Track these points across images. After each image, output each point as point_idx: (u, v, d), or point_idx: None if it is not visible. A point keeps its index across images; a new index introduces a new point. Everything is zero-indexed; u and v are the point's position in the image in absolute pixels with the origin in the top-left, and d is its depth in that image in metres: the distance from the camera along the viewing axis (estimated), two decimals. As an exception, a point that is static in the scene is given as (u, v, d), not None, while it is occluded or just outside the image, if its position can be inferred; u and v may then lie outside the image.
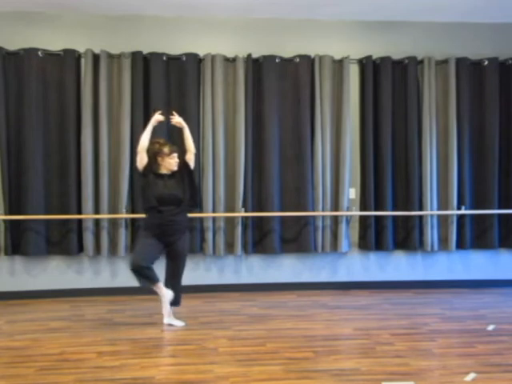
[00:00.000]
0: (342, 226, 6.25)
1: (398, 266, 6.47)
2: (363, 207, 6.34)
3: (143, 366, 3.81)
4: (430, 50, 6.41)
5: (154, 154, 4.67)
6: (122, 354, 4.11)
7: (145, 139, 4.67)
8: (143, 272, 4.59)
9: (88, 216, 5.92)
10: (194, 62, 6.10)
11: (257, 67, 6.19)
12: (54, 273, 6.08)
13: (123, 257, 6.09)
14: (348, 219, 6.30)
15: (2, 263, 6.02)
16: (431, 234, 6.31)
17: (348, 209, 6.27)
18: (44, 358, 4.00)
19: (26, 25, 6.03)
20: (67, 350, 4.15)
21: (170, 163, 4.68)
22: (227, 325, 4.88)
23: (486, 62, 6.36)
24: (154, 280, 4.67)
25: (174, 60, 6.09)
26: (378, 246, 6.34)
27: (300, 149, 6.20)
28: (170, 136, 5.67)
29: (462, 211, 6.29)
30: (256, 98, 6.18)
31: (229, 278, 6.29)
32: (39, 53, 5.89)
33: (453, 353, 4.09)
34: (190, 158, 4.79)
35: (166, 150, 4.65)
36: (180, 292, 4.88)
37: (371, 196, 6.26)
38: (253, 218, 6.16)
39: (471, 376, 3.58)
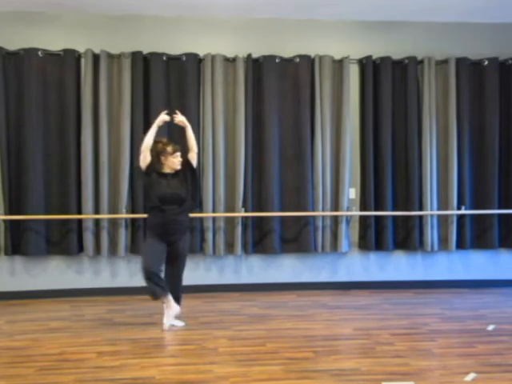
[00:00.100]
0: (342, 226, 6.25)
1: (398, 265, 6.47)
2: (363, 207, 6.34)
3: (143, 366, 3.81)
4: (429, 50, 6.42)
5: (157, 154, 4.67)
6: (122, 353, 4.11)
7: (149, 138, 4.67)
8: (156, 279, 4.60)
9: (88, 216, 5.92)
10: (194, 62, 6.10)
11: (257, 67, 6.19)
12: (54, 273, 6.08)
13: (123, 257, 6.09)
14: (348, 219, 6.30)
15: (2, 263, 6.02)
16: (431, 234, 6.31)
17: (348, 209, 6.27)
18: (44, 357, 4.00)
19: (26, 25, 6.03)
20: (67, 350, 4.15)
21: (174, 162, 4.68)
22: (227, 325, 4.88)
23: (486, 62, 6.36)
24: (165, 290, 4.68)
25: (173, 60, 6.10)
26: (378, 246, 6.34)
27: (300, 149, 6.20)
28: (171, 135, 5.66)
29: (462, 211, 6.29)
30: (256, 98, 6.18)
31: (229, 278, 6.29)
32: (39, 53, 5.89)
33: (453, 353, 4.09)
34: (193, 157, 4.79)
35: (169, 149, 4.65)
36: (180, 292, 4.88)
37: (371, 196, 6.26)
38: (253, 218, 6.16)
39: (471, 376, 3.58)
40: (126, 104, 5.97)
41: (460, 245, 6.37)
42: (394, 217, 6.35)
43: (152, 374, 3.66)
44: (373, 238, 6.29)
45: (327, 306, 5.63)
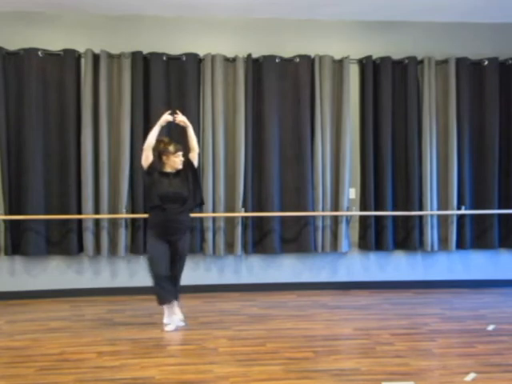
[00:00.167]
0: (342, 226, 6.25)
1: (398, 265, 6.47)
2: (363, 207, 6.34)
3: (143, 366, 3.81)
4: (430, 49, 6.41)
5: (159, 153, 4.68)
6: (122, 353, 4.11)
7: (152, 138, 4.68)
8: (165, 285, 4.62)
9: (88, 216, 5.92)
10: (194, 62, 6.10)
11: (257, 67, 6.19)
12: (54, 273, 6.08)
13: (123, 257, 6.09)
14: (348, 219, 6.30)
15: (2, 263, 6.02)
16: (431, 234, 6.31)
17: (348, 209, 6.27)
18: (44, 358, 4.00)
19: (26, 25, 6.03)
20: (67, 350, 4.15)
21: (175, 162, 4.69)
22: (227, 325, 4.88)
23: (486, 62, 6.36)
24: (174, 295, 4.70)
25: (174, 60, 6.09)
26: (378, 246, 6.34)
27: (300, 149, 6.20)
28: (171, 135, 5.66)
29: (462, 211, 6.29)
30: (256, 98, 6.18)
31: (229, 278, 6.29)
32: (39, 53, 5.89)
33: (453, 353, 4.09)
34: (194, 157, 4.80)
35: (171, 148, 4.66)
36: (178, 292, 4.87)
37: (371, 196, 6.26)
38: (253, 217, 6.16)
39: (471, 376, 3.58)
40: (125, 104, 5.97)
41: (460, 245, 6.37)
42: (394, 217, 6.35)
43: (152, 374, 3.66)
44: (373, 238, 6.29)
45: (327, 306, 5.63)
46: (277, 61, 6.18)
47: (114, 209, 6.02)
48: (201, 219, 6.10)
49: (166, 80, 6.09)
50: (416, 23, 6.44)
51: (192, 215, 4.97)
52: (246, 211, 6.10)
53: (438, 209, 6.34)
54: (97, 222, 6.02)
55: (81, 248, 6.02)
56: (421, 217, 6.34)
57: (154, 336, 4.53)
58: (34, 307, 5.65)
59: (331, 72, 6.28)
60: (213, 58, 6.12)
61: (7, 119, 5.89)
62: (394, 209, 6.33)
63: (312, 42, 6.33)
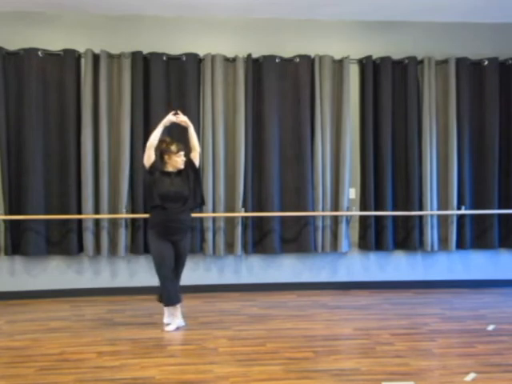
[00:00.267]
0: (342, 226, 6.25)
1: (398, 265, 6.47)
2: (363, 207, 6.34)
3: (143, 366, 3.81)
4: (430, 49, 6.41)
5: (161, 152, 4.69)
6: (122, 353, 4.11)
7: (155, 137, 4.68)
8: (171, 286, 4.62)
9: (88, 216, 5.92)
10: (194, 62, 6.10)
11: (257, 67, 6.19)
12: (54, 273, 6.08)
13: (123, 257, 6.09)
14: (348, 219, 6.30)
15: (2, 263, 6.02)
16: (431, 234, 6.31)
17: (348, 209, 6.27)
18: (44, 357, 4.00)
19: (26, 25, 6.03)
20: (67, 350, 4.15)
21: (177, 161, 4.70)
22: (227, 325, 4.88)
23: (486, 62, 6.36)
24: (178, 297, 4.70)
25: (174, 60, 6.09)
26: (378, 246, 6.34)
27: (300, 149, 6.20)
28: (172, 135, 5.65)
29: (462, 211, 6.29)
30: (256, 98, 6.18)
31: (229, 278, 6.29)
32: (39, 53, 5.89)
33: (453, 353, 4.09)
34: (195, 157, 4.81)
35: (173, 148, 4.66)
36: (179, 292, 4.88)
37: (371, 196, 6.26)
38: (253, 217, 6.16)
39: (471, 376, 3.58)
40: (126, 104, 5.97)
41: (460, 245, 6.37)
42: (394, 217, 6.35)
43: (152, 374, 3.66)
44: (373, 238, 6.29)
45: (327, 306, 5.63)
46: (277, 61, 6.18)
47: (114, 209, 6.02)
48: (201, 219, 6.10)
49: (166, 80, 6.09)
50: (416, 23, 6.44)
51: (192, 215, 4.96)
52: (246, 211, 6.10)
53: (438, 209, 6.35)
54: (97, 222, 6.02)
55: (81, 248, 6.02)
56: (421, 217, 6.34)
57: (154, 336, 4.53)
58: (33, 307, 5.65)
59: (331, 72, 6.28)
60: (213, 58, 6.12)
61: (7, 119, 5.89)
62: (394, 209, 6.33)
63: (312, 42, 6.33)
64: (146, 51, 6.06)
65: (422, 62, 6.36)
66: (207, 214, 6.04)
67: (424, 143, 6.29)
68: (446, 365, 3.82)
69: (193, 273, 6.08)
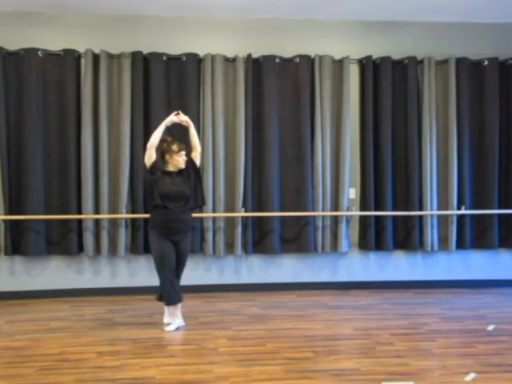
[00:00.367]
0: (342, 226, 6.25)
1: (398, 265, 6.47)
2: (363, 207, 6.34)
3: (143, 366, 3.81)
4: (430, 49, 6.41)
5: (162, 152, 4.70)
6: (122, 354, 4.11)
7: (156, 137, 4.68)
8: (172, 287, 4.63)
9: (88, 216, 5.92)
10: (194, 62, 6.10)
11: (257, 67, 6.19)
12: (54, 273, 6.08)
13: (123, 257, 6.09)
14: (348, 219, 6.30)
15: (2, 263, 6.02)
16: (431, 234, 6.31)
17: (348, 209, 6.27)
18: (44, 358, 4.00)
19: (26, 25, 6.03)
20: (67, 350, 4.15)
21: (178, 161, 4.70)
22: (227, 325, 4.88)
23: (486, 62, 6.36)
24: (180, 297, 4.71)
25: (173, 60, 6.09)
26: (378, 246, 6.34)
27: (300, 149, 6.20)
28: (172, 134, 5.64)
29: (462, 211, 6.29)
30: (256, 98, 6.18)
31: (229, 278, 6.29)
32: (39, 53, 5.89)
33: (453, 353, 4.09)
34: (196, 156, 4.81)
35: (174, 147, 4.67)
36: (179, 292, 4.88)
37: (371, 196, 6.26)
38: (253, 217, 6.16)
39: (471, 376, 3.58)
40: (126, 104, 5.97)
41: (460, 245, 6.37)
42: (394, 217, 6.35)
43: (152, 374, 3.66)
44: (373, 238, 6.29)
45: (327, 306, 5.63)
46: (277, 61, 6.18)
47: (114, 209, 6.02)
48: (201, 219, 6.10)
49: (166, 80, 6.09)
50: (416, 23, 6.44)
51: (193, 215, 4.96)
52: (246, 211, 6.10)
53: (438, 209, 6.35)
54: (97, 222, 6.02)
55: (81, 248, 6.02)
56: (421, 217, 6.34)
57: (154, 336, 4.53)
58: (34, 307, 5.65)
59: (331, 72, 6.28)
60: (213, 58, 6.12)
61: (7, 119, 5.89)
62: (394, 209, 6.33)
63: (312, 42, 6.33)
64: (145, 51, 6.06)
65: (422, 62, 6.36)
66: (207, 214, 6.04)
67: (424, 143, 6.29)
68: (446, 365, 3.82)
69: (193, 273, 6.08)
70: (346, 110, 6.23)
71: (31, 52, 5.87)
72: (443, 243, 6.39)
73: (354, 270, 6.44)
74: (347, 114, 6.23)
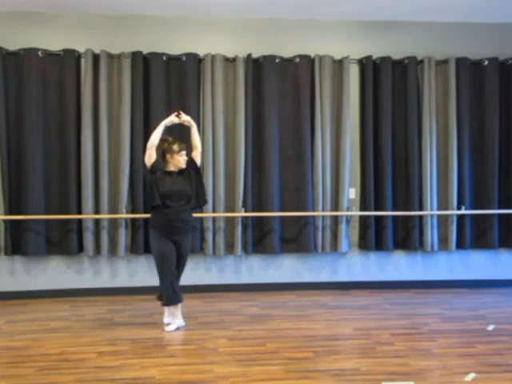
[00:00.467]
0: (342, 226, 6.25)
1: (398, 265, 6.47)
2: (363, 207, 6.34)
3: (143, 366, 3.81)
4: (430, 49, 6.41)
5: (162, 152, 4.70)
6: (122, 353, 4.11)
7: (156, 137, 4.68)
8: (175, 285, 4.63)
9: (88, 216, 5.92)
10: (194, 62, 6.10)
11: (257, 67, 6.19)
12: (54, 273, 6.08)
13: (123, 257, 6.09)
14: (348, 219, 6.30)
15: (2, 263, 6.02)
16: (431, 234, 6.31)
17: (348, 209, 6.27)
18: (44, 357, 4.00)
19: (26, 25, 6.03)
20: (67, 350, 4.15)
21: (179, 161, 4.70)
22: (227, 325, 4.88)
23: (486, 62, 6.36)
24: (180, 298, 4.71)
25: (173, 60, 6.09)
26: (378, 246, 6.34)
27: (300, 149, 6.20)
28: (172, 134, 5.64)
29: (462, 211, 6.29)
30: (256, 98, 6.18)
31: (229, 278, 6.29)
32: (39, 53, 5.89)
33: (453, 353, 4.09)
34: (197, 156, 4.81)
35: (175, 147, 4.67)
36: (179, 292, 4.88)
37: (371, 196, 6.26)
38: (253, 217, 6.16)
39: (471, 376, 3.58)
40: (125, 104, 5.97)
41: (460, 245, 6.37)
42: (394, 217, 6.35)
43: (152, 374, 3.66)
44: (373, 238, 6.29)
45: (327, 306, 5.63)
46: (277, 61, 6.18)
47: (114, 209, 6.02)
48: (201, 219, 6.10)
49: (166, 80, 6.09)
50: (416, 23, 6.44)
51: (193, 215, 4.96)
52: (246, 211, 6.10)
53: (438, 209, 6.35)
54: (97, 222, 6.02)
55: (81, 248, 6.02)
56: (421, 217, 6.34)
57: (154, 336, 4.53)
58: (33, 307, 5.65)
59: (331, 72, 6.28)
60: (213, 58, 6.12)
61: (7, 119, 5.89)
62: (394, 209, 6.33)
63: (312, 42, 6.33)
64: (145, 51, 6.06)
65: (422, 61, 6.36)
66: (207, 214, 6.04)
67: (424, 143, 6.29)
68: (446, 365, 3.82)
69: (193, 273, 6.08)
70: (346, 110, 6.23)
71: (31, 52, 5.88)
72: (443, 243, 6.39)
73: (354, 270, 6.44)
74: (347, 114, 6.23)
